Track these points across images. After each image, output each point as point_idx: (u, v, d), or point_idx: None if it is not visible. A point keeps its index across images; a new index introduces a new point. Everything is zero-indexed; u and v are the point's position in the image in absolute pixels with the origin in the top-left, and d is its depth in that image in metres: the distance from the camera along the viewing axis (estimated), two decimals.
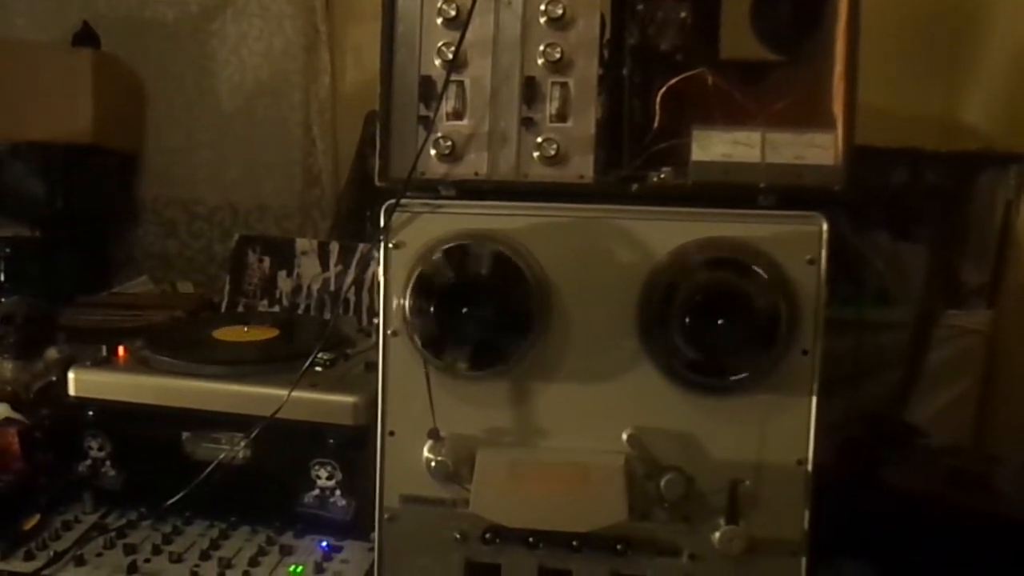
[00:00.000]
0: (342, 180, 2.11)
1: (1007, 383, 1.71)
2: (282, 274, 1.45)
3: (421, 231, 0.90)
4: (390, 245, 0.91)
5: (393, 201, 0.90)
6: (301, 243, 1.49)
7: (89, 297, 1.92)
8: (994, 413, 1.70)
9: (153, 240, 2.26)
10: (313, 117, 2.17)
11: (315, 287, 1.43)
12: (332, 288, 1.41)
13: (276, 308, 1.38)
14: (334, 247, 1.46)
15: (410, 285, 0.88)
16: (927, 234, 1.84)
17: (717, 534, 0.88)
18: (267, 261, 1.47)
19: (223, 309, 1.41)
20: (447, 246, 0.87)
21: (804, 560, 0.88)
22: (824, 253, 0.85)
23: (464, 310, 0.86)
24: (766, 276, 0.84)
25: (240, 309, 1.40)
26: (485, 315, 0.86)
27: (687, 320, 0.84)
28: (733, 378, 0.85)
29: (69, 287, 1.90)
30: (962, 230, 1.84)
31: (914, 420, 1.65)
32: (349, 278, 1.43)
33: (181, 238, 2.24)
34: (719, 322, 0.83)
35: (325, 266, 1.45)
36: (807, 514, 0.88)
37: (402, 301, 0.89)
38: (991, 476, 1.41)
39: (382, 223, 0.91)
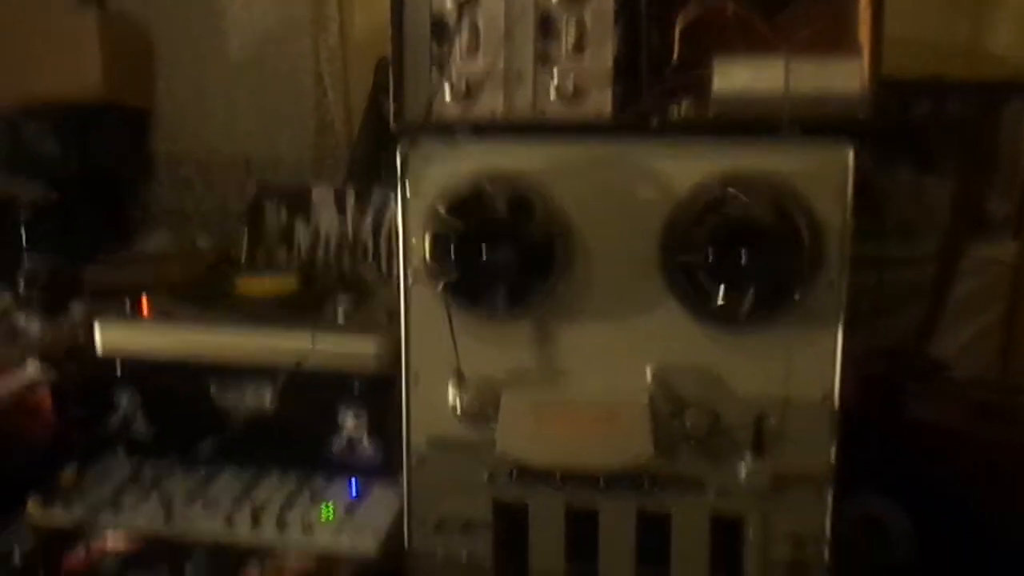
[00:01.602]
0: (355, 128, 2.10)
1: None
2: (300, 223, 1.45)
3: (439, 174, 0.89)
4: (407, 189, 0.90)
5: (410, 145, 0.89)
6: (318, 192, 1.48)
7: (109, 255, 1.93)
8: (1019, 344, 1.69)
9: (169, 196, 2.25)
10: (323, 65, 2.14)
11: (333, 235, 1.43)
12: (350, 235, 1.41)
13: (295, 256, 1.39)
14: (350, 194, 1.45)
15: (429, 228, 0.87)
16: (952, 166, 1.80)
17: (743, 469, 0.88)
18: (284, 211, 1.46)
19: (242, 260, 1.42)
20: (466, 188, 0.86)
21: (830, 494, 0.89)
22: (851, 182, 0.84)
23: (484, 253, 0.85)
24: (790, 207, 0.83)
25: (259, 260, 1.40)
26: (505, 257, 0.86)
27: (711, 256, 0.83)
28: (758, 313, 0.85)
29: (88, 246, 1.90)
30: (988, 161, 1.80)
31: (938, 354, 1.64)
32: (367, 225, 1.42)
33: (197, 193, 2.24)
34: (743, 256, 0.82)
35: (342, 213, 1.45)
36: (833, 448, 0.88)
37: (422, 246, 0.89)
38: (1017, 407, 1.40)
39: (399, 168, 0.90)
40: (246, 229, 1.46)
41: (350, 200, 1.46)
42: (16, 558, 0.93)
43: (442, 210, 0.86)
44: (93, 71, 1.97)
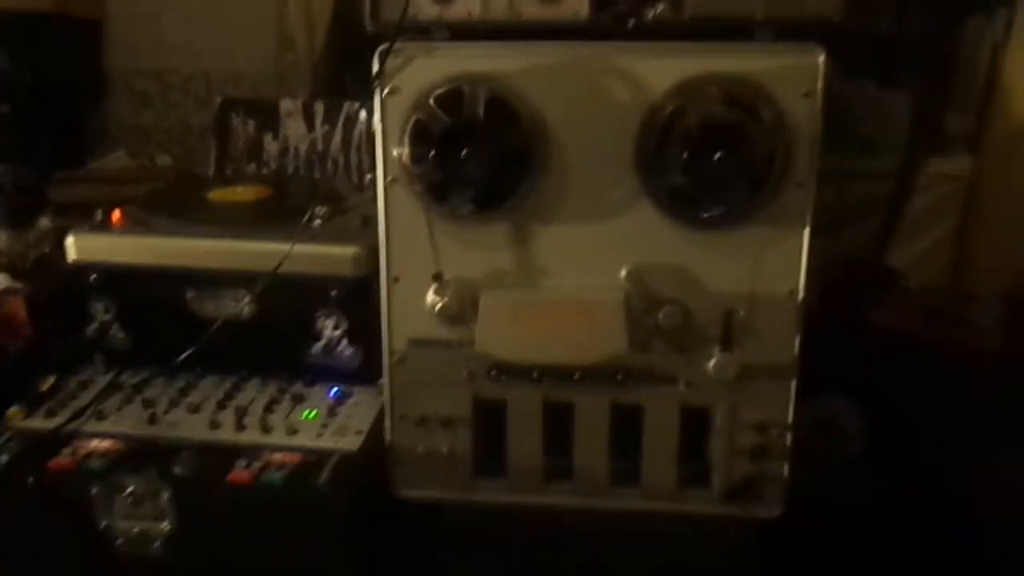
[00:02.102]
0: (317, 43, 2.05)
1: (985, 227, 1.75)
2: (268, 137, 1.43)
3: (416, 76, 0.89)
4: (385, 91, 0.90)
5: (387, 46, 0.89)
6: (286, 104, 1.46)
7: (67, 173, 1.89)
8: (972, 256, 1.76)
9: (127, 113, 2.20)
10: None
11: (302, 148, 1.42)
12: (319, 148, 1.40)
13: (264, 171, 1.38)
14: (319, 107, 1.44)
15: (407, 131, 0.88)
16: (912, 81, 1.84)
17: (712, 362, 0.92)
18: (251, 124, 1.44)
19: (211, 174, 1.40)
20: (443, 89, 0.86)
21: (794, 383, 0.93)
22: (821, 86, 0.86)
23: (463, 153, 0.87)
24: (763, 109, 0.85)
25: (228, 173, 1.39)
26: (484, 157, 0.87)
27: (685, 155, 0.85)
28: (729, 212, 0.88)
29: (45, 164, 1.86)
30: (948, 77, 1.84)
31: (895, 264, 1.70)
32: (336, 137, 1.41)
33: (156, 110, 2.18)
34: (716, 156, 0.85)
35: (311, 127, 1.43)
36: (797, 340, 0.92)
37: (400, 148, 0.89)
38: (968, 312, 1.47)
39: (375, 69, 0.89)
40: (214, 142, 1.44)
41: (319, 112, 1.44)
42: (2, 463, 0.94)
43: (420, 112, 0.86)
44: None
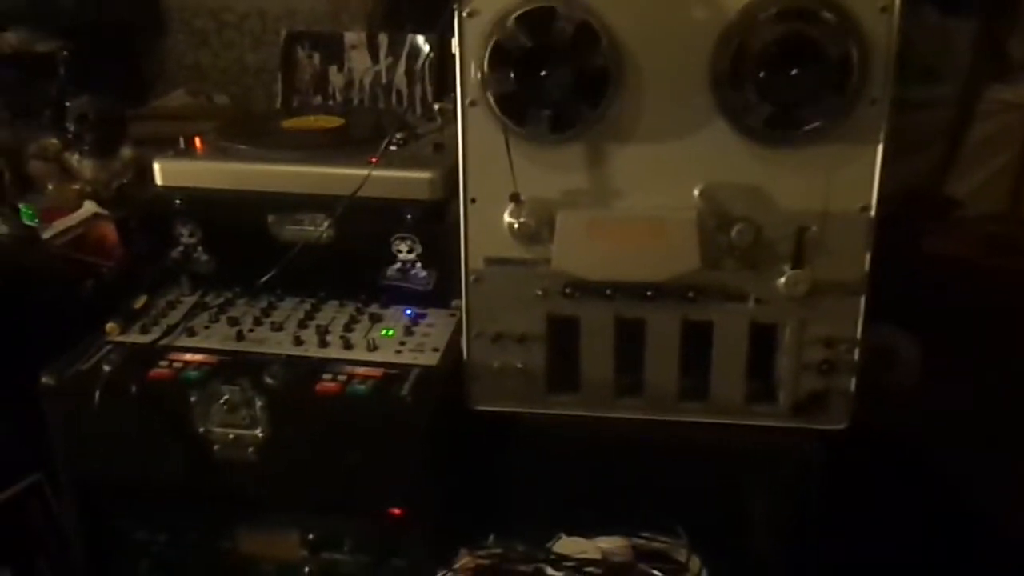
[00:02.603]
0: None
1: None
2: (333, 69, 1.46)
3: None
4: (464, 13, 0.92)
5: None
6: (350, 37, 1.48)
7: (131, 111, 1.94)
8: None
9: (185, 51, 2.24)
10: None
11: (367, 80, 1.44)
12: (384, 81, 1.42)
13: (330, 103, 1.41)
14: (383, 39, 1.46)
15: (487, 52, 0.90)
16: (975, 6, 1.80)
17: (783, 279, 0.95)
18: (317, 57, 1.47)
19: (278, 106, 1.44)
20: (525, 10, 0.88)
21: (863, 299, 0.96)
22: (898, 0, 0.86)
23: (543, 73, 0.89)
24: (838, 24, 0.85)
25: (295, 106, 1.42)
26: (563, 78, 0.89)
27: (760, 73, 0.86)
28: (804, 129, 0.89)
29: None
30: (1010, 3, 1.80)
31: (954, 194, 1.69)
32: (400, 69, 1.43)
33: (213, 48, 2.23)
34: (792, 73, 0.86)
35: (375, 59, 1.45)
36: (868, 256, 0.94)
37: (479, 70, 0.92)
38: None
39: None
40: (280, 75, 1.47)
41: (383, 45, 1.46)
42: (106, 372, 1.00)
43: (501, 32, 0.88)
44: None
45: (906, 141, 1.70)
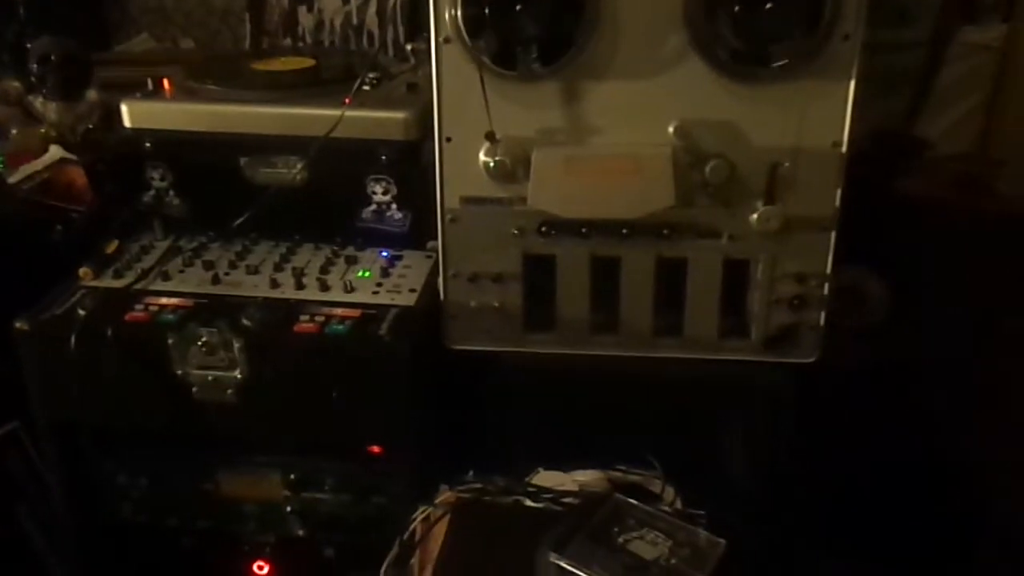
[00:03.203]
0: None
1: (1016, 97, 1.75)
2: (302, 9, 1.43)
3: None
4: None
5: None
6: None
7: (94, 55, 1.88)
8: (1002, 125, 1.75)
9: None
10: None
11: (337, 21, 1.41)
12: (355, 22, 1.40)
13: (300, 45, 1.38)
14: None
15: None
16: None
17: (755, 215, 0.96)
18: None
19: (247, 47, 1.41)
20: None
21: (833, 234, 0.97)
22: None
23: (517, 7, 0.88)
24: None
25: (264, 47, 1.39)
26: (539, 12, 0.88)
27: (734, 7, 0.86)
28: (777, 65, 0.89)
29: None
30: None
31: (924, 135, 1.71)
32: (371, 9, 1.41)
33: None
34: (765, 7, 0.86)
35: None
36: (839, 192, 0.95)
37: (453, 6, 0.91)
38: (994, 178, 1.49)
39: None
40: (248, 16, 1.43)
41: None
42: (80, 316, 1.00)
43: None
44: None
45: (878, 83, 1.71)
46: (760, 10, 0.86)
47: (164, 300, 1.03)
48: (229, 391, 1.01)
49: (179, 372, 1.01)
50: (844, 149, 0.94)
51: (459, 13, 0.90)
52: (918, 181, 1.53)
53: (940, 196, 1.47)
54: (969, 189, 1.47)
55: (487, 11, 0.88)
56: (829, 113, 0.92)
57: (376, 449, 1.04)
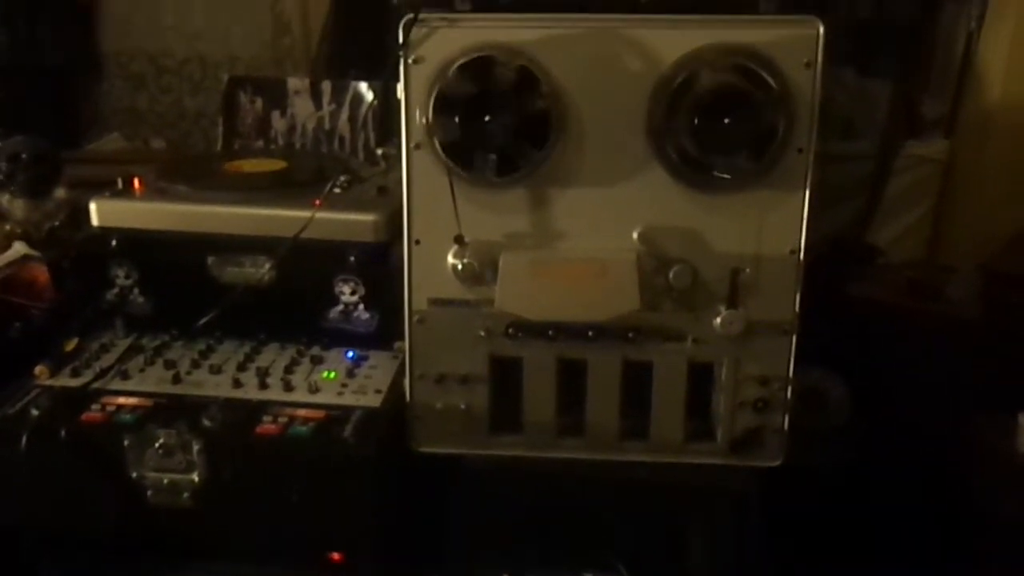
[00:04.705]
0: (311, 29, 2.09)
1: (960, 206, 1.84)
2: (275, 114, 1.46)
3: (439, 45, 0.93)
4: (410, 60, 0.94)
5: (412, 17, 0.93)
6: (293, 83, 1.49)
7: (65, 153, 1.90)
8: (948, 234, 1.84)
9: (121, 95, 2.22)
10: None
11: (310, 126, 1.45)
12: (327, 126, 1.44)
13: (272, 147, 1.41)
14: (327, 86, 1.47)
15: (434, 95, 0.92)
16: (891, 68, 1.91)
17: (718, 319, 0.98)
18: (259, 102, 1.47)
19: (219, 149, 1.43)
20: (472, 57, 0.90)
21: (794, 338, 0.99)
22: (820, 56, 0.92)
23: (486, 119, 0.91)
24: (767, 78, 0.90)
25: (236, 149, 1.42)
26: (507, 123, 0.91)
27: (695, 121, 0.90)
28: (735, 175, 0.93)
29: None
30: (924, 63, 1.92)
31: (875, 242, 1.77)
32: (343, 115, 1.45)
33: (150, 92, 2.21)
34: (724, 122, 0.90)
35: (319, 105, 1.47)
36: (798, 297, 0.98)
37: (424, 115, 0.94)
38: (945, 284, 1.55)
39: (401, 38, 0.93)
40: (221, 119, 1.47)
41: (327, 91, 1.48)
42: (33, 416, 0.97)
43: (449, 77, 0.91)
44: None
45: (830, 192, 1.79)
46: (718, 123, 0.90)
47: (122, 400, 1.01)
48: (185, 495, 0.98)
49: (134, 475, 0.98)
50: (801, 256, 0.97)
51: (430, 121, 0.93)
52: (872, 286, 1.58)
53: (894, 301, 1.52)
54: (921, 294, 1.52)
55: (457, 120, 0.91)
56: (786, 221, 0.96)
57: (337, 556, 1.01)
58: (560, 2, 0.94)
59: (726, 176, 0.93)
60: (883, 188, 1.84)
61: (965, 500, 1.32)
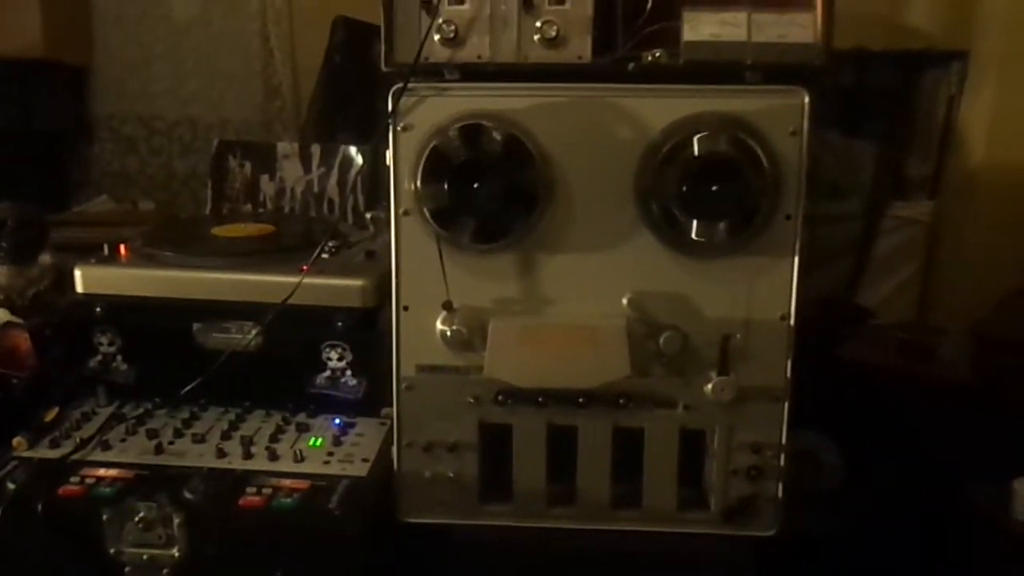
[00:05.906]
0: (302, 92, 2.11)
1: (947, 267, 1.85)
2: (264, 177, 1.47)
3: (428, 113, 0.94)
4: (399, 128, 0.94)
5: (401, 85, 0.94)
6: (282, 147, 1.50)
7: (52, 216, 1.90)
8: (936, 295, 1.84)
9: (111, 158, 2.22)
10: (270, 27, 2.14)
11: (299, 190, 1.46)
12: (316, 190, 1.44)
13: (261, 211, 1.41)
14: (316, 149, 1.48)
15: (423, 162, 0.92)
16: (875, 130, 1.94)
17: (709, 385, 0.97)
18: (248, 166, 1.48)
19: (208, 211, 1.43)
20: (461, 124, 0.91)
21: (786, 405, 0.98)
22: (806, 124, 0.93)
23: (475, 186, 0.91)
24: (754, 146, 0.91)
25: (225, 213, 1.42)
26: (495, 190, 0.91)
27: (684, 188, 0.91)
28: (725, 242, 0.93)
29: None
30: (908, 126, 1.95)
31: (864, 303, 1.78)
32: (332, 179, 1.45)
33: (140, 155, 2.22)
34: (712, 189, 0.90)
35: (307, 169, 1.47)
36: (789, 363, 0.97)
37: (413, 182, 0.94)
38: (935, 346, 1.55)
39: (390, 105, 0.94)
40: (210, 182, 1.47)
41: (316, 155, 1.48)
42: (10, 489, 0.94)
43: (438, 143, 0.91)
44: (33, 27, 1.94)
45: (818, 253, 1.80)
46: (707, 191, 0.91)
47: (101, 472, 0.98)
48: (165, 571, 0.95)
49: (112, 551, 0.95)
50: (792, 322, 0.96)
51: (419, 188, 0.93)
52: (863, 348, 1.58)
53: (885, 363, 1.52)
54: (913, 356, 1.51)
55: (446, 187, 0.91)
56: (776, 287, 0.96)
57: None
58: (548, 71, 0.95)
59: (714, 242, 0.93)
60: (871, 249, 1.86)
61: (962, 568, 1.30)
